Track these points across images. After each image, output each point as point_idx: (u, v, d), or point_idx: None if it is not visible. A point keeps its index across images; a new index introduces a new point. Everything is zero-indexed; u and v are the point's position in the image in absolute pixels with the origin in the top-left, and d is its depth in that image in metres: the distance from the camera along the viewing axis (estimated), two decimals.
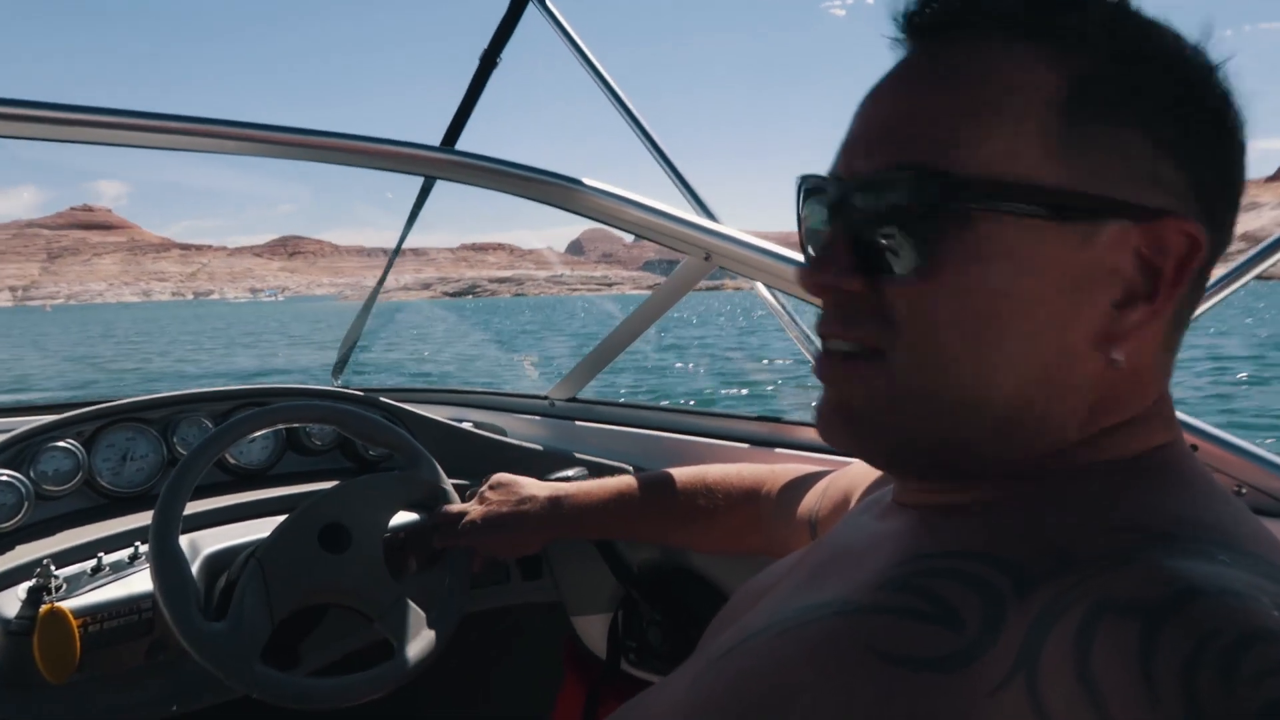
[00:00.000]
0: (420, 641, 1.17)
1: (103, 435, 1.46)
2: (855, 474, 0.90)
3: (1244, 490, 0.97)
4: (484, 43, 2.01)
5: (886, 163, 0.51)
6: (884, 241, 0.51)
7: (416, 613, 1.19)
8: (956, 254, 0.49)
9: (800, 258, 1.30)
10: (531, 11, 1.94)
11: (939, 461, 0.54)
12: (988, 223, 0.48)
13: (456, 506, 1.28)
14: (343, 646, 1.39)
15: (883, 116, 0.53)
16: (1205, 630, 0.36)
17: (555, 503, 1.20)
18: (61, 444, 1.39)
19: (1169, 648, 0.36)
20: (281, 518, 1.18)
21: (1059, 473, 0.52)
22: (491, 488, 1.27)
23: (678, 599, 1.40)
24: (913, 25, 0.54)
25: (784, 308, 1.57)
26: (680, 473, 1.18)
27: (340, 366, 2.42)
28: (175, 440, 1.53)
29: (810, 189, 0.58)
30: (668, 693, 0.60)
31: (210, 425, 1.57)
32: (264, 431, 1.50)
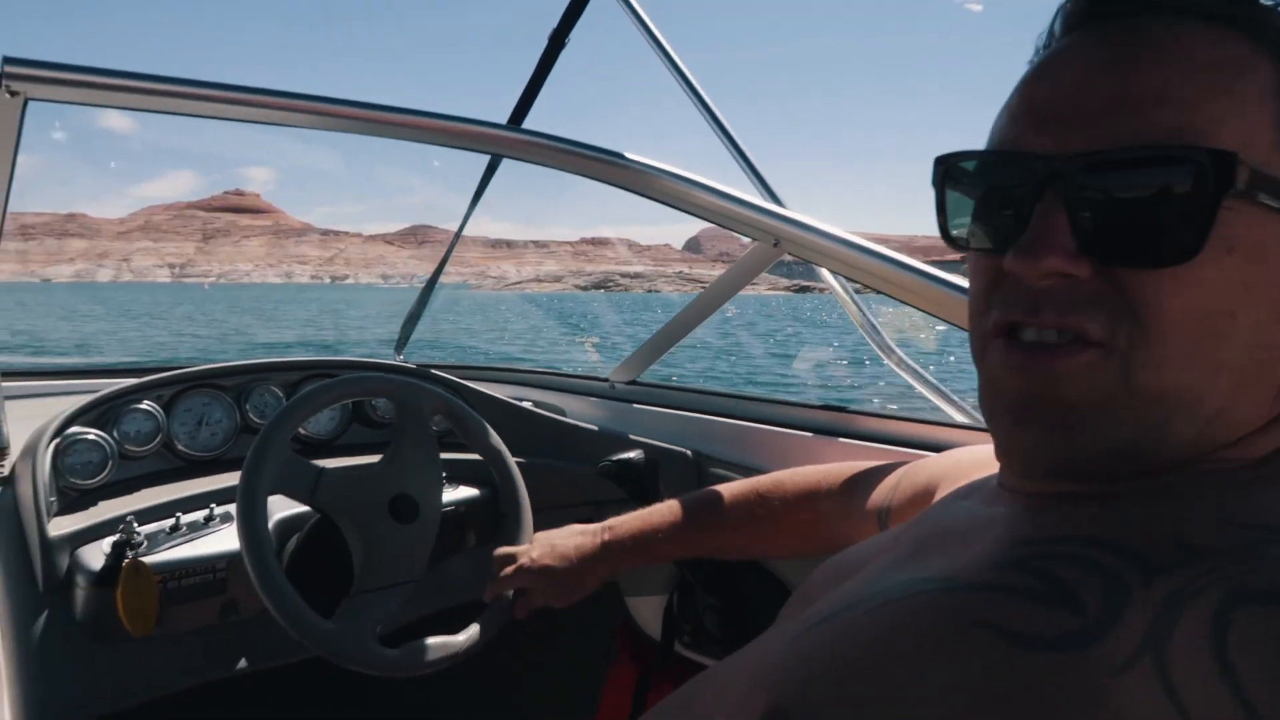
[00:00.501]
0: (490, 616, 1.20)
1: (181, 400, 1.51)
2: (938, 466, 0.88)
3: None
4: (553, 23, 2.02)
5: (1134, 136, 0.47)
6: (1135, 224, 0.47)
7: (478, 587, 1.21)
8: (1217, 242, 0.46)
9: (870, 244, 1.30)
10: None
11: (1127, 466, 0.50)
12: (1240, 210, 0.46)
13: (511, 550, 1.23)
14: (401, 616, 1.42)
15: (1107, 85, 0.48)
16: None
17: (610, 533, 1.16)
18: (143, 406, 1.45)
19: None
20: None
21: (1178, 467, 0.50)
22: (537, 550, 1.20)
23: (734, 584, 1.40)
24: (1106, 2, 0.51)
25: (850, 297, 1.55)
26: (730, 487, 1.14)
27: (402, 343, 2.46)
28: (248, 407, 1.57)
29: (997, 168, 0.53)
30: (758, 654, 0.60)
31: (281, 394, 1.61)
32: (340, 402, 1.53)
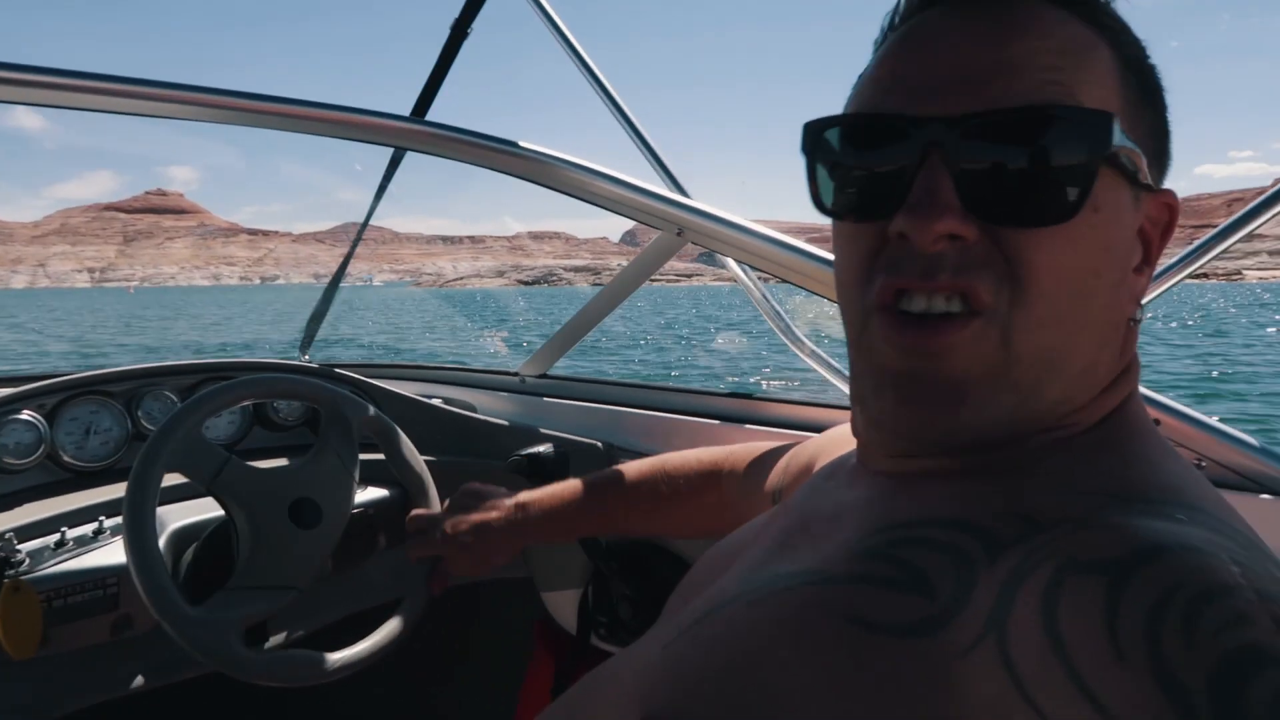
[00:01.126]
0: (389, 624, 1.17)
1: (65, 409, 1.44)
2: (817, 445, 0.90)
3: (1204, 464, 0.99)
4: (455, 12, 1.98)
5: (1010, 99, 0.48)
6: (1018, 185, 0.47)
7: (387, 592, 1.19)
8: (1092, 201, 0.47)
9: (771, 232, 1.31)
10: None
11: (999, 439, 0.51)
12: (1107, 173, 0.48)
13: (427, 513, 1.24)
14: (310, 623, 1.38)
15: (981, 54, 0.49)
16: (1167, 585, 0.37)
17: (521, 510, 1.17)
18: (23, 416, 1.37)
19: (1132, 603, 0.37)
20: None
21: (1023, 438, 0.52)
22: (461, 495, 1.23)
23: (647, 573, 1.41)
24: None
25: (753, 283, 1.57)
26: (638, 464, 1.16)
27: (307, 342, 2.39)
28: (140, 414, 1.51)
29: (872, 132, 0.52)
30: (637, 658, 0.60)
31: (175, 399, 1.55)
32: (238, 405, 1.48)
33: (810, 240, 1.31)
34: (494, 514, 1.18)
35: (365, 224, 2.30)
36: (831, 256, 1.25)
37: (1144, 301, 0.55)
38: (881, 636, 0.44)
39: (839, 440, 0.85)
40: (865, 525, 0.53)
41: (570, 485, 1.18)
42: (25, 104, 1.18)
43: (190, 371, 1.60)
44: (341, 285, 2.26)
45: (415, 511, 1.24)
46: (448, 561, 1.20)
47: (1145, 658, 0.36)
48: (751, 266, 1.54)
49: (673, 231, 1.40)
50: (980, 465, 0.52)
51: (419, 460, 1.33)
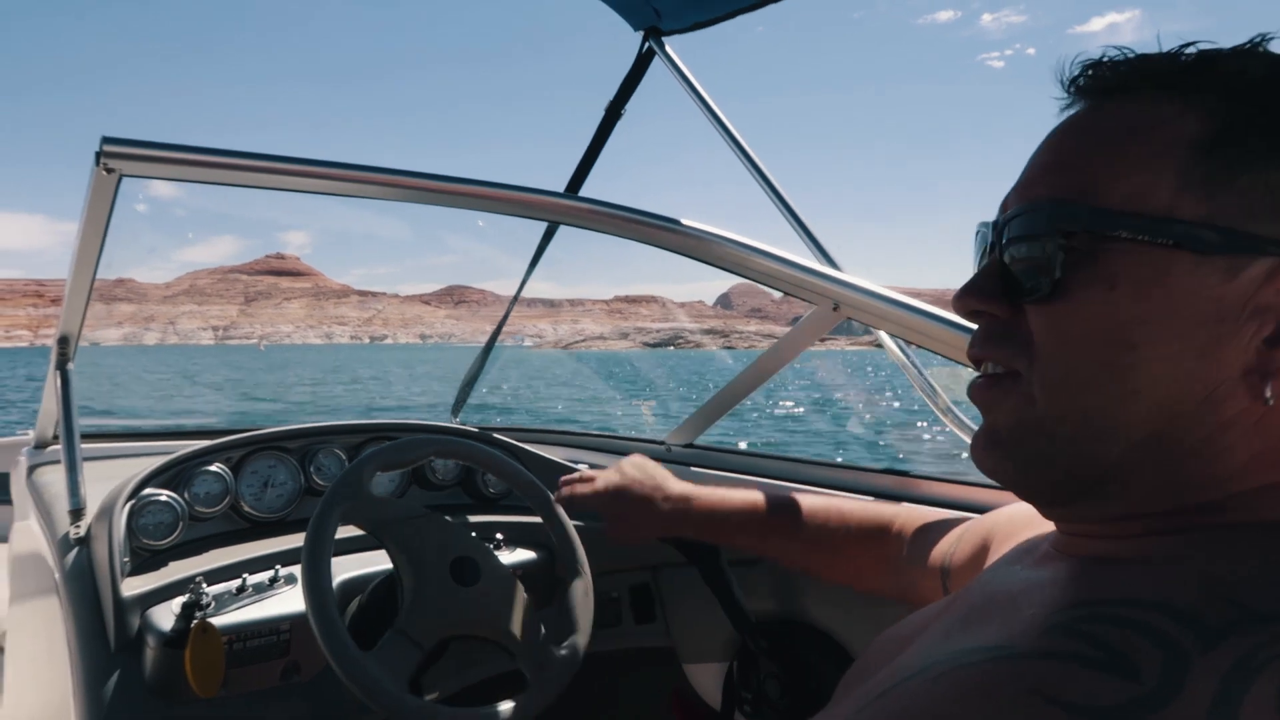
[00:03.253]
0: (551, 678, 1.19)
1: (248, 462, 1.55)
2: (995, 522, 0.88)
3: None
4: (610, 94, 2.08)
5: (1032, 196, 0.56)
6: (1024, 266, 0.56)
7: (546, 650, 1.21)
8: (1087, 278, 0.52)
9: (927, 306, 1.30)
10: (658, 65, 2.00)
11: (1078, 486, 0.55)
12: (1119, 251, 0.51)
13: (588, 473, 1.31)
14: (461, 679, 1.42)
15: (1038, 162, 0.58)
16: None
17: (685, 499, 1.21)
18: (213, 468, 1.48)
19: None
20: None
21: (1226, 527, 0.51)
22: (629, 463, 1.29)
23: (796, 653, 1.38)
24: (1077, 89, 0.58)
25: (908, 357, 1.55)
26: (813, 497, 1.17)
27: (459, 405, 2.49)
28: (311, 469, 1.60)
29: (980, 233, 0.63)
30: None
31: (343, 456, 1.64)
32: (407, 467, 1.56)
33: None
34: (658, 492, 1.23)
35: (519, 292, 2.39)
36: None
37: None
38: (1077, 715, 0.42)
39: (1017, 519, 0.82)
40: (1056, 602, 0.51)
41: (740, 493, 1.20)
42: (208, 183, 1.27)
43: (357, 431, 1.69)
44: (499, 345, 2.35)
45: (581, 474, 1.31)
46: (602, 511, 1.25)
47: None
48: (905, 340, 1.52)
49: (829, 306, 1.40)
50: (1176, 549, 0.51)
51: (569, 524, 1.36)
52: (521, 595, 1.25)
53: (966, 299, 0.59)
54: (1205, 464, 0.51)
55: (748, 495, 1.20)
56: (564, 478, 1.31)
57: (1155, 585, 0.48)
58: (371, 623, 1.26)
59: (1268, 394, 0.49)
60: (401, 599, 1.17)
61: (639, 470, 1.27)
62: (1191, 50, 0.54)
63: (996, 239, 0.58)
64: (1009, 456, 0.57)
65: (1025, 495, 0.59)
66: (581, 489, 1.27)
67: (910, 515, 1.09)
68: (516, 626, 1.21)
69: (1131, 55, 0.56)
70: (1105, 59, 0.57)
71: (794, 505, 1.16)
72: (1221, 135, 0.50)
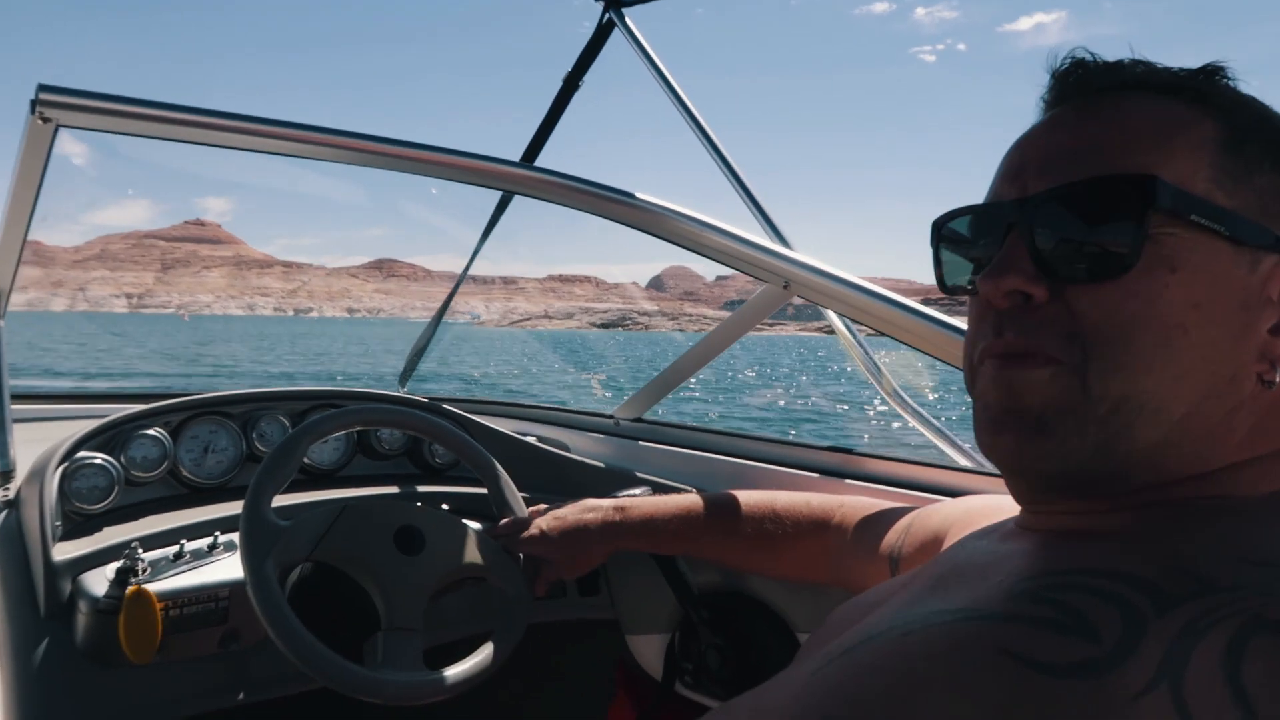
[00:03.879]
0: (483, 650, 1.19)
1: (187, 427, 1.51)
2: (946, 513, 0.90)
3: None
4: (568, 66, 2.06)
5: (1083, 175, 0.55)
6: (1079, 248, 0.54)
7: (514, 562, 1.24)
8: (1153, 261, 0.53)
9: (878, 289, 1.32)
10: (616, 37, 1.99)
11: (1101, 474, 0.55)
12: (1179, 235, 0.53)
13: (520, 516, 1.30)
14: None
15: (1059, 143, 0.58)
16: None
17: (620, 512, 1.22)
18: (151, 432, 1.44)
19: None
20: None
21: (1182, 503, 0.54)
22: (557, 510, 1.28)
23: (739, 624, 1.40)
24: (1077, 85, 0.59)
25: (856, 339, 1.57)
26: (749, 496, 1.18)
27: (406, 375, 2.47)
28: (254, 435, 1.57)
29: (975, 218, 0.62)
30: (779, 688, 0.61)
31: (287, 423, 1.62)
32: (343, 432, 1.53)
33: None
34: (591, 514, 1.22)
35: (470, 262, 2.37)
36: (932, 312, 1.26)
37: None
38: (1042, 675, 0.45)
39: (975, 510, 0.85)
40: (1021, 570, 0.54)
41: (675, 499, 1.21)
42: (148, 137, 1.23)
43: (302, 398, 1.66)
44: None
45: (506, 521, 1.30)
46: (542, 555, 1.23)
47: None
48: (854, 321, 1.54)
49: (779, 284, 1.41)
50: (1139, 524, 0.54)
51: (513, 490, 1.37)
52: (471, 529, 1.26)
53: (1004, 279, 0.56)
54: (1214, 444, 0.54)
55: (681, 501, 1.21)
56: (500, 524, 1.30)
57: (1119, 557, 0.51)
58: (315, 593, 1.25)
59: (1273, 379, 0.53)
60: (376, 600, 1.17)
61: (552, 520, 1.26)
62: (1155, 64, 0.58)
63: (1023, 217, 0.57)
64: (1052, 440, 0.55)
65: (1047, 477, 0.58)
66: (521, 539, 1.25)
67: (852, 506, 1.10)
68: (478, 555, 1.23)
69: (1107, 60, 0.59)
70: (1094, 59, 0.59)
71: (730, 505, 1.17)
72: (1241, 137, 0.54)
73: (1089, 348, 0.54)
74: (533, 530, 1.24)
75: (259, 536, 1.11)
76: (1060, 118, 0.59)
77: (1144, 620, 0.44)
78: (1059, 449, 0.55)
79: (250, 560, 1.09)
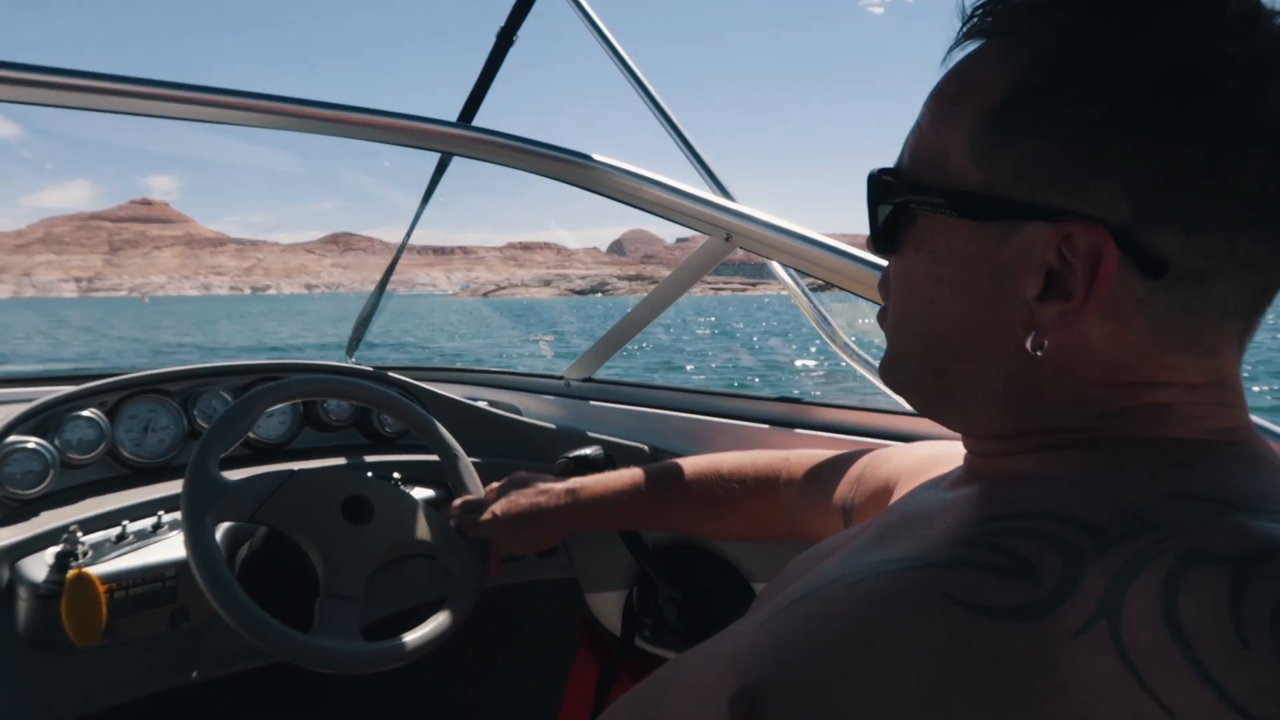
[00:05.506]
0: (435, 620, 1.18)
1: (125, 406, 1.48)
2: (897, 462, 0.91)
3: None
4: (501, 21, 2.01)
5: (879, 166, 0.62)
6: (876, 225, 0.62)
7: (463, 542, 1.23)
8: (904, 240, 0.60)
9: (823, 238, 1.32)
10: None
11: (940, 398, 0.63)
12: (926, 216, 0.58)
13: (474, 496, 1.29)
14: (376, 612, 1.41)
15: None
16: None
17: (572, 495, 1.21)
18: (85, 413, 1.41)
19: (1259, 594, 0.38)
20: None
21: (1118, 444, 0.54)
22: (510, 481, 1.28)
23: (694, 576, 1.41)
24: (963, 27, 0.59)
25: (801, 289, 1.57)
26: (694, 462, 1.18)
27: (354, 344, 2.43)
28: (195, 413, 1.54)
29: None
30: (731, 639, 0.62)
31: (229, 398, 1.58)
32: (283, 404, 1.51)
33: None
34: (544, 497, 1.21)
35: (411, 229, 2.33)
36: (879, 260, 1.26)
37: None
38: (985, 618, 0.46)
39: (924, 458, 0.85)
40: (966, 517, 0.55)
41: (624, 475, 1.21)
42: (60, 107, 1.19)
43: (244, 372, 1.63)
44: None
45: (463, 498, 1.28)
46: (496, 538, 1.23)
47: (1272, 645, 0.36)
48: (798, 271, 1.54)
49: (721, 236, 1.40)
50: (1079, 466, 0.55)
51: (474, 473, 1.36)
52: (422, 505, 1.25)
53: (871, 242, 0.65)
54: (1036, 395, 0.56)
55: (633, 475, 1.21)
56: (455, 502, 1.28)
57: (1059, 499, 0.51)
58: (263, 567, 1.24)
59: (1034, 343, 0.54)
60: (319, 569, 1.15)
61: (521, 483, 1.26)
62: None
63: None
64: (888, 371, 0.65)
65: (902, 398, 0.67)
66: (472, 517, 1.24)
67: (798, 459, 1.10)
68: (427, 532, 1.22)
69: None
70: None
71: (677, 474, 1.17)
72: (1007, 106, 0.52)
73: (891, 304, 0.64)
74: (486, 514, 1.23)
75: (201, 492, 1.10)
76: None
77: (1084, 560, 0.45)
78: (893, 378, 0.66)
79: (189, 513, 1.08)
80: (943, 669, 0.46)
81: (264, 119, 1.34)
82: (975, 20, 0.56)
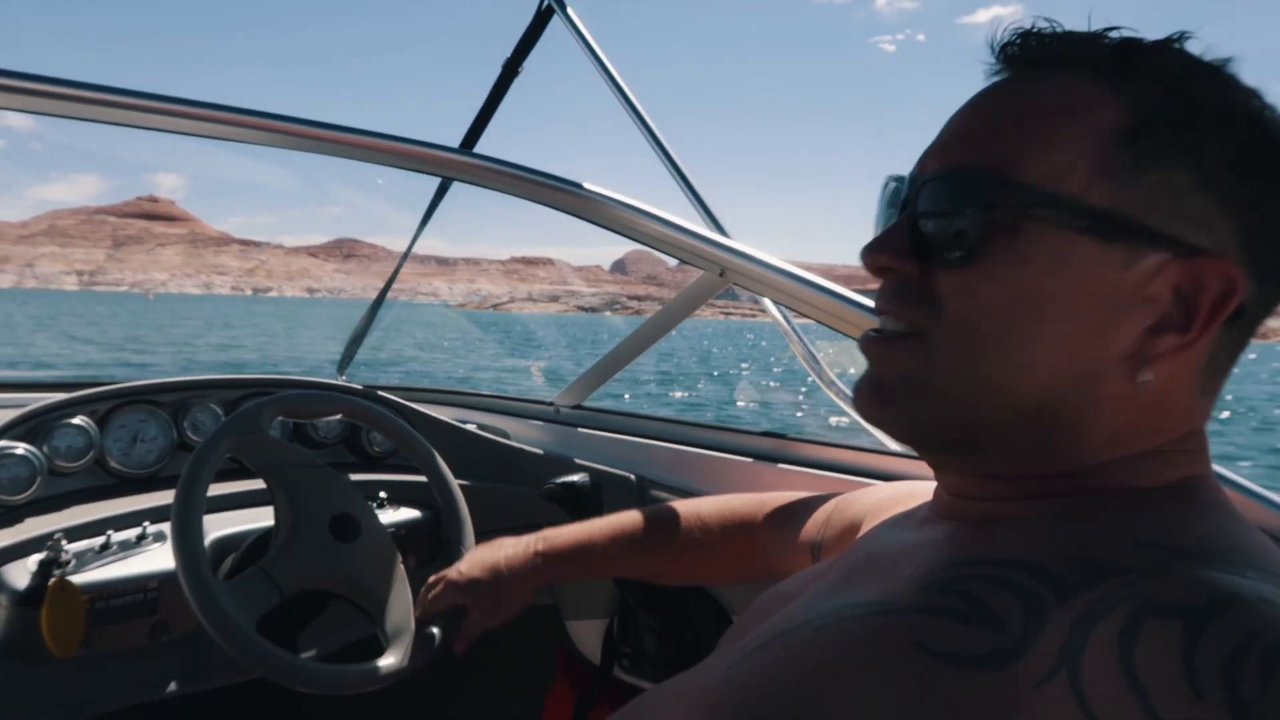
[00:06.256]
0: (416, 644, 1.16)
1: (115, 415, 1.48)
2: (866, 502, 0.91)
3: None
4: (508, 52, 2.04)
5: (954, 162, 0.57)
6: (940, 230, 0.56)
7: (408, 624, 1.18)
8: (1001, 249, 0.54)
9: (815, 278, 1.34)
10: (557, 24, 1.98)
11: (959, 442, 0.58)
12: (1033, 228, 0.53)
13: (441, 573, 1.21)
14: (340, 638, 1.40)
15: (959, 126, 0.59)
16: (1246, 631, 0.39)
17: (539, 544, 1.16)
18: (75, 421, 1.41)
19: (1211, 646, 0.39)
20: None
21: (1088, 493, 0.55)
22: (470, 556, 1.21)
23: (674, 608, 1.42)
24: (1006, 56, 0.59)
25: (792, 326, 1.59)
26: (672, 506, 1.15)
27: (345, 363, 2.44)
28: (185, 425, 1.54)
29: (890, 187, 0.64)
30: (700, 679, 0.62)
31: (220, 412, 1.59)
32: (281, 419, 1.51)
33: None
34: (510, 559, 1.15)
35: (409, 249, 2.34)
36: (866, 300, 1.28)
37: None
38: (949, 666, 0.46)
39: (889, 498, 0.86)
40: (931, 562, 0.55)
41: (598, 525, 1.16)
42: (51, 115, 1.20)
43: (235, 386, 1.64)
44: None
45: (434, 577, 1.21)
46: (470, 609, 1.16)
47: (1223, 697, 0.37)
48: (789, 308, 1.57)
49: (715, 272, 1.43)
50: (1043, 513, 0.55)
51: (453, 482, 1.36)
52: (399, 565, 1.22)
53: (878, 254, 0.59)
54: (1076, 437, 0.54)
55: (605, 523, 1.15)
56: (426, 590, 1.21)
57: (1023, 547, 0.52)
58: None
59: (1146, 378, 0.52)
60: (274, 541, 1.15)
61: (473, 562, 1.18)
62: (1116, 35, 0.56)
63: (911, 196, 0.59)
64: (895, 406, 0.59)
65: (901, 438, 0.62)
66: (437, 593, 1.18)
67: (772, 501, 1.09)
68: (384, 594, 1.18)
69: (1060, 30, 0.57)
70: (1035, 30, 0.57)
71: (654, 520, 1.13)
72: (1139, 129, 0.52)
73: (941, 325, 0.56)
74: (450, 575, 1.17)
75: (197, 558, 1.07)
76: (979, 96, 0.59)
77: (1045, 609, 0.46)
78: (900, 416, 0.59)
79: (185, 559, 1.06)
80: (905, 715, 0.46)
81: (264, 137, 1.36)
82: (1074, 50, 0.56)
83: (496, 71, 2.07)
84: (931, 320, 0.56)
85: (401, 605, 1.19)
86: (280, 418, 1.29)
